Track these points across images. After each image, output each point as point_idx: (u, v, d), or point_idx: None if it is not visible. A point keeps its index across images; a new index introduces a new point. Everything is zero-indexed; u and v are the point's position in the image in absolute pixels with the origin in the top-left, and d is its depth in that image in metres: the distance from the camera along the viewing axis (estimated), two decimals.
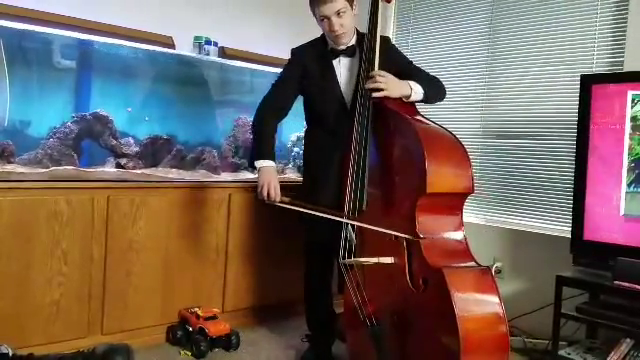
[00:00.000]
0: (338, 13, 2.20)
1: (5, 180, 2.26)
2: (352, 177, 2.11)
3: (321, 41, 2.39)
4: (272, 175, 2.21)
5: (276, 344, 2.77)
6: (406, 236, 1.94)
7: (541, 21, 3.06)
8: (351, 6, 2.24)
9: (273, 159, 2.28)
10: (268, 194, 2.16)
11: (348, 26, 2.26)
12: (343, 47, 2.34)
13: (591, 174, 2.48)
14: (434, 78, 2.35)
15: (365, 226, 2.06)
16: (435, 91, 2.30)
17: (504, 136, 3.22)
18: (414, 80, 2.22)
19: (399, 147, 2.09)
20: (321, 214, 2.08)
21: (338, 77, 2.35)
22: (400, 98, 2.19)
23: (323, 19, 2.22)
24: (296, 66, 2.40)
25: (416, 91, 2.19)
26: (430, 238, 1.94)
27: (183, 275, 2.73)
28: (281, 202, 2.15)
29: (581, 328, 2.62)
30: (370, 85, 2.13)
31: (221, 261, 2.88)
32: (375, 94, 2.12)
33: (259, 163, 2.25)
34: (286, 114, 2.42)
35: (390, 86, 2.13)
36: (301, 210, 2.10)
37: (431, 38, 3.63)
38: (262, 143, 2.31)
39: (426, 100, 2.25)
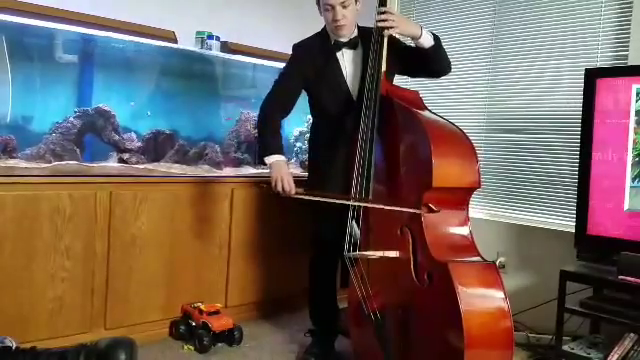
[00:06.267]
0: (343, 4, 2.23)
1: (8, 175, 2.26)
2: (358, 169, 2.12)
3: (323, 35, 2.39)
4: (283, 169, 2.21)
5: (279, 339, 2.77)
6: (415, 210, 1.93)
7: (545, 15, 3.04)
8: (355, 1, 2.27)
9: (282, 153, 2.28)
10: (283, 188, 2.16)
11: (350, 19, 2.29)
12: (345, 39, 2.34)
13: (595, 169, 2.47)
14: None
15: (376, 206, 2.07)
16: (444, 50, 2.31)
17: (508, 130, 3.21)
18: None
19: (406, 141, 2.09)
20: (333, 200, 2.11)
21: (343, 69, 2.36)
22: (411, 91, 2.22)
23: (327, 8, 2.25)
24: (299, 62, 2.40)
25: (426, 35, 2.23)
26: (436, 214, 1.94)
27: (186, 270, 2.73)
28: (296, 194, 2.15)
29: (585, 323, 2.61)
30: (380, 23, 2.16)
31: (224, 256, 2.88)
32: (385, 32, 2.17)
33: (269, 159, 2.25)
34: (290, 110, 2.42)
35: (400, 23, 2.18)
36: (314, 199, 2.11)
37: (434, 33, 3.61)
38: (269, 138, 2.31)
39: (435, 50, 2.26)
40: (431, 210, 1.93)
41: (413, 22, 2.24)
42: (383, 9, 2.18)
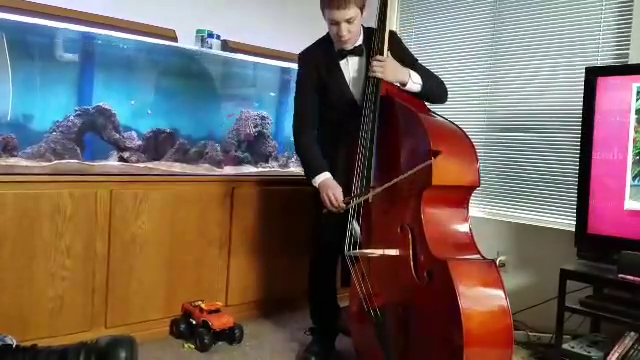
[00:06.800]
0: (349, 21, 2.19)
1: (8, 174, 2.26)
2: (359, 168, 2.13)
3: (327, 41, 2.37)
4: (330, 185, 2.26)
5: (280, 337, 2.78)
6: (424, 164, 1.91)
7: (545, 13, 3.04)
8: (361, 13, 2.23)
9: (325, 169, 2.31)
10: (332, 204, 2.21)
11: (355, 32, 2.26)
12: (350, 47, 2.32)
13: (595, 167, 2.47)
14: (438, 79, 2.36)
15: (386, 186, 2.05)
16: (435, 88, 2.31)
17: (508, 129, 3.21)
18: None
19: (406, 140, 2.09)
20: (365, 197, 2.14)
21: (346, 77, 2.34)
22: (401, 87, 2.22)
23: (332, 23, 2.21)
24: (307, 69, 2.40)
25: (414, 81, 2.22)
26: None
27: (186, 269, 2.73)
28: (345, 204, 2.21)
29: (585, 322, 2.61)
30: (370, 72, 2.17)
31: (224, 255, 2.88)
32: (371, 74, 2.17)
33: (314, 181, 2.29)
34: (318, 120, 2.43)
35: (387, 71, 2.16)
36: (355, 203, 2.16)
37: (434, 31, 3.62)
38: (311, 159, 2.35)
39: (424, 93, 2.26)
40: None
41: (403, 69, 2.21)
42: (373, 58, 2.18)
